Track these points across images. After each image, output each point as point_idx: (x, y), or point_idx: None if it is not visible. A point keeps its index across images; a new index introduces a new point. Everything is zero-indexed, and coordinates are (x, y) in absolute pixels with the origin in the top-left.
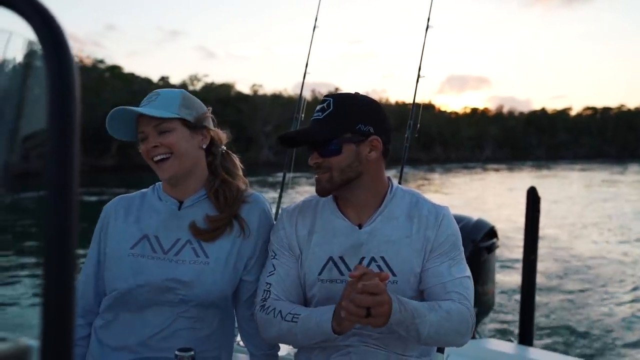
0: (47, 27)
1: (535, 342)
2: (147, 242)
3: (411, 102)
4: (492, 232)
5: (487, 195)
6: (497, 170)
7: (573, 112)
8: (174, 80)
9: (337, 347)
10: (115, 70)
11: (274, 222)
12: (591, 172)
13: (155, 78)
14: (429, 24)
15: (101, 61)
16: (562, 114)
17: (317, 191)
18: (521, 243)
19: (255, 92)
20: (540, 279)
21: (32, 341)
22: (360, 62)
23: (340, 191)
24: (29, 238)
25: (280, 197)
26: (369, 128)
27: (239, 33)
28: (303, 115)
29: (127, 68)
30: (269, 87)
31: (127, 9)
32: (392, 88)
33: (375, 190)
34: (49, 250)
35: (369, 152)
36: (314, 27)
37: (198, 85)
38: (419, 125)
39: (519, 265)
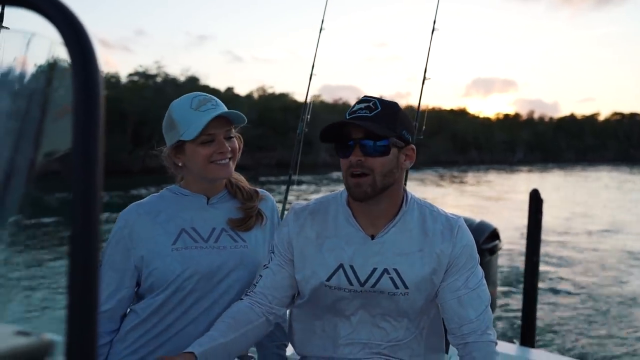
0: (74, 32)
1: (537, 343)
2: (185, 234)
3: (439, 106)
4: (494, 234)
5: (517, 193)
6: (529, 171)
7: (601, 117)
8: (239, 90)
9: (345, 359)
10: (197, 82)
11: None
12: (616, 173)
13: (222, 88)
14: (435, 26)
15: (193, 77)
16: (591, 119)
17: (355, 194)
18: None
19: (313, 101)
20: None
21: (55, 336)
22: (386, 65)
23: (374, 199)
24: (55, 235)
25: (285, 197)
26: (409, 136)
27: (265, 37)
28: (309, 117)
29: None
30: (327, 96)
31: (157, 14)
32: (416, 91)
33: (395, 200)
34: (73, 248)
35: (404, 161)
36: (320, 30)
37: (263, 95)
38: (424, 127)
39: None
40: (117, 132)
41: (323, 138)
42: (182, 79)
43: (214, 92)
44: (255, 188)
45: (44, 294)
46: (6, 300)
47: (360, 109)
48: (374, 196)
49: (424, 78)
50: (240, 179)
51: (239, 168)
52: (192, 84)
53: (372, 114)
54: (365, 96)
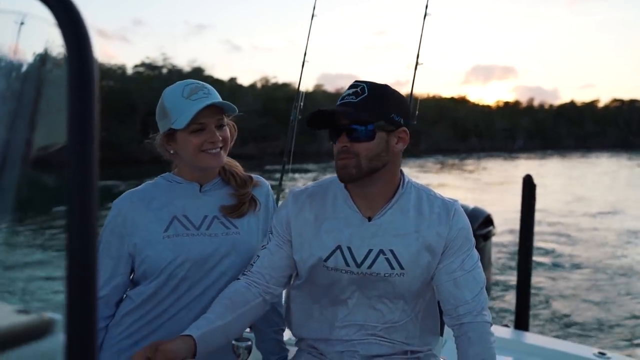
0: (66, 13)
1: (531, 327)
2: (177, 222)
3: (439, 94)
4: (488, 220)
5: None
6: (529, 158)
7: (601, 104)
8: (242, 81)
9: (341, 341)
10: (202, 73)
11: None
12: (615, 159)
13: (225, 79)
14: (427, 11)
15: (198, 68)
16: (590, 106)
17: (340, 176)
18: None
19: (315, 90)
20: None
21: (55, 315)
22: (386, 53)
23: (363, 180)
24: (52, 214)
25: (280, 184)
26: (400, 119)
27: (264, 26)
28: (302, 104)
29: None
30: (328, 86)
31: (155, 4)
32: (415, 78)
33: (391, 183)
34: (71, 225)
35: (396, 143)
36: (312, 16)
37: (266, 85)
38: (417, 112)
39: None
40: (128, 123)
41: (312, 125)
42: (187, 69)
43: (218, 82)
44: (249, 174)
45: (44, 274)
46: (6, 280)
47: (348, 94)
48: (360, 178)
49: (417, 63)
50: (234, 164)
51: (244, 157)
52: (198, 74)
53: (358, 99)
54: (355, 81)
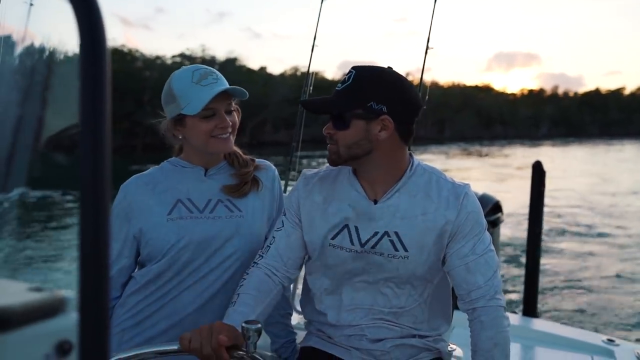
0: None
1: (540, 314)
2: (181, 205)
3: (463, 82)
4: (496, 207)
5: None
6: (553, 145)
7: (627, 92)
8: (271, 70)
9: (349, 326)
10: (235, 62)
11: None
12: (638, 146)
13: (254, 68)
14: None
15: (233, 58)
16: (616, 94)
17: (327, 161)
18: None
19: (340, 79)
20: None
21: (68, 292)
22: (406, 40)
23: (351, 165)
24: (66, 195)
25: (289, 169)
26: (382, 107)
27: (282, 11)
28: (312, 89)
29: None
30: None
31: None
32: (435, 65)
33: (389, 168)
34: (84, 205)
35: (379, 132)
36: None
37: (294, 74)
38: (427, 97)
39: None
40: None
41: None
42: (222, 60)
43: (249, 72)
44: (251, 157)
45: (57, 253)
46: (20, 258)
47: (341, 82)
48: (342, 163)
49: (427, 48)
50: (236, 148)
51: (276, 144)
52: (231, 64)
53: (342, 87)
54: (352, 67)
